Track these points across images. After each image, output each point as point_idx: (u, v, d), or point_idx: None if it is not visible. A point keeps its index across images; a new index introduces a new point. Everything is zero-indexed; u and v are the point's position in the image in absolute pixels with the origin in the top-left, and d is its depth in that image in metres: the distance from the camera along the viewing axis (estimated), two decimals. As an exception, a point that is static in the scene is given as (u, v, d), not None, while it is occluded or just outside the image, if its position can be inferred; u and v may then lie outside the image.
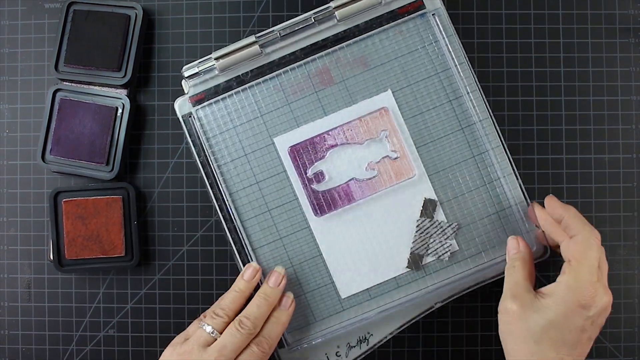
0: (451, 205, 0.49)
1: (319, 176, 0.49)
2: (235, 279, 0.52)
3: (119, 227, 0.51)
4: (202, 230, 0.52)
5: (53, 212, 0.51)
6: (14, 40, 0.54)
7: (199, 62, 0.48)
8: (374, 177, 0.49)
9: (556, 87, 0.52)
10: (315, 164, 0.49)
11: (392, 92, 0.49)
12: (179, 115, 0.49)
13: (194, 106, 0.49)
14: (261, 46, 0.48)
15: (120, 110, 0.51)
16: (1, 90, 0.54)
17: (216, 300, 0.52)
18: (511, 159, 0.48)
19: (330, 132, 0.49)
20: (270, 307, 0.45)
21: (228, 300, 0.46)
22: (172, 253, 0.53)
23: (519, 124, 0.52)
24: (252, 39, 0.48)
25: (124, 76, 0.51)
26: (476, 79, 0.48)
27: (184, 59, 0.53)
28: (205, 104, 0.49)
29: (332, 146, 0.49)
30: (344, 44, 0.49)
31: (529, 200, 0.47)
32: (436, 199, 0.49)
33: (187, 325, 0.52)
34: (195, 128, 0.49)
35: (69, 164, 0.51)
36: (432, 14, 0.48)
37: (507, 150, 0.48)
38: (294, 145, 0.49)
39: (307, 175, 0.49)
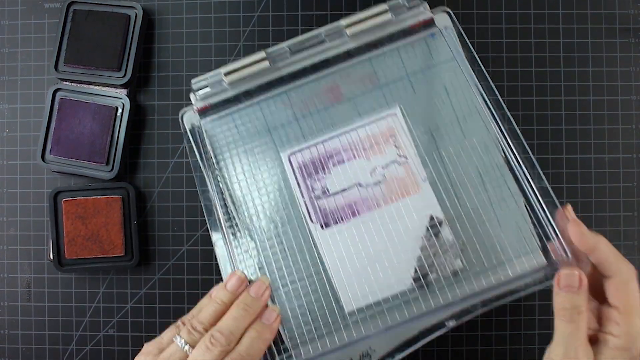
0: (458, 223, 0.48)
1: (325, 191, 0.49)
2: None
3: (118, 227, 0.51)
4: (202, 230, 0.52)
5: (53, 211, 0.51)
6: (14, 40, 0.54)
7: (208, 76, 0.48)
8: (379, 182, 0.48)
9: (556, 87, 0.52)
10: (321, 178, 0.49)
11: (401, 110, 0.49)
12: (186, 127, 0.49)
13: (201, 118, 0.49)
14: (271, 61, 0.48)
15: (120, 110, 0.51)
16: (1, 90, 0.54)
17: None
18: (532, 175, 0.46)
19: (337, 148, 0.49)
20: (249, 320, 0.41)
21: (208, 312, 0.41)
22: (172, 253, 0.53)
23: (519, 124, 0.52)
24: (262, 54, 0.48)
25: (124, 76, 0.51)
26: (485, 99, 0.48)
27: (184, 59, 0.53)
28: (213, 116, 0.49)
29: (339, 162, 0.49)
30: (354, 61, 0.49)
31: (548, 211, 0.45)
32: (442, 216, 0.48)
33: (187, 325, 0.52)
34: (202, 140, 0.49)
35: (69, 164, 0.51)
36: (445, 30, 0.48)
37: (520, 167, 0.47)
38: (300, 160, 0.49)
39: (313, 189, 0.49)
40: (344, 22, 0.48)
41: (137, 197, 0.52)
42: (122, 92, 0.52)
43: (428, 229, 0.48)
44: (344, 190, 0.49)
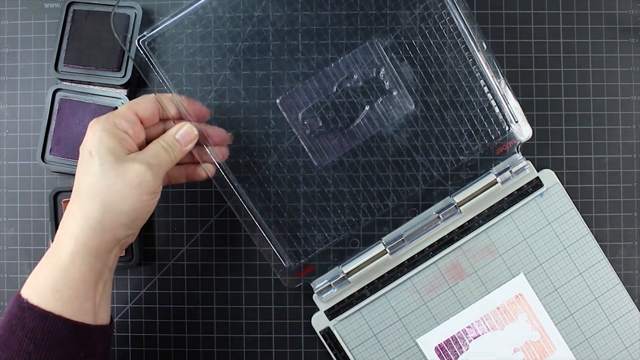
0: None
1: None
2: (235, 279, 0.52)
3: (118, 227, 0.51)
4: (202, 230, 0.52)
5: (53, 212, 0.51)
6: (14, 40, 0.54)
7: (331, 278, 0.48)
8: (517, 350, 0.49)
9: (556, 87, 0.52)
10: (461, 356, 0.49)
11: (524, 275, 0.49)
12: (317, 331, 0.49)
13: (330, 320, 0.49)
14: (390, 252, 0.49)
15: (120, 110, 0.51)
16: (1, 90, 0.54)
17: (216, 300, 0.52)
18: None
19: (471, 325, 0.49)
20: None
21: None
22: (172, 253, 0.53)
23: (519, 124, 0.52)
24: (380, 247, 0.48)
25: (123, 76, 0.51)
26: (600, 249, 0.49)
27: (184, 59, 0.53)
28: (342, 315, 0.49)
29: (475, 337, 0.49)
30: (470, 236, 0.49)
31: None
32: None
33: (187, 326, 0.52)
34: (335, 341, 0.49)
35: (69, 164, 0.51)
36: (553, 188, 0.49)
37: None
38: (437, 343, 0.49)
39: None
40: (456, 199, 0.48)
41: (137, 197, 0.52)
42: (122, 92, 0.52)
43: None
44: None
